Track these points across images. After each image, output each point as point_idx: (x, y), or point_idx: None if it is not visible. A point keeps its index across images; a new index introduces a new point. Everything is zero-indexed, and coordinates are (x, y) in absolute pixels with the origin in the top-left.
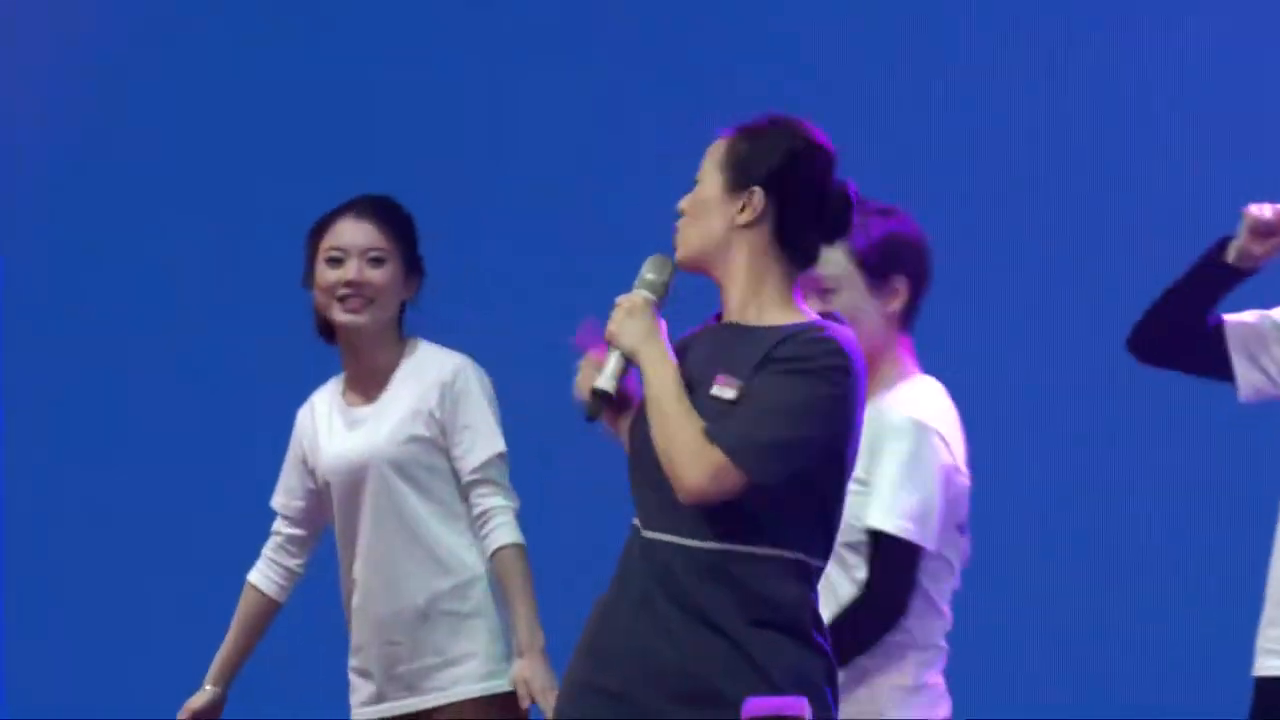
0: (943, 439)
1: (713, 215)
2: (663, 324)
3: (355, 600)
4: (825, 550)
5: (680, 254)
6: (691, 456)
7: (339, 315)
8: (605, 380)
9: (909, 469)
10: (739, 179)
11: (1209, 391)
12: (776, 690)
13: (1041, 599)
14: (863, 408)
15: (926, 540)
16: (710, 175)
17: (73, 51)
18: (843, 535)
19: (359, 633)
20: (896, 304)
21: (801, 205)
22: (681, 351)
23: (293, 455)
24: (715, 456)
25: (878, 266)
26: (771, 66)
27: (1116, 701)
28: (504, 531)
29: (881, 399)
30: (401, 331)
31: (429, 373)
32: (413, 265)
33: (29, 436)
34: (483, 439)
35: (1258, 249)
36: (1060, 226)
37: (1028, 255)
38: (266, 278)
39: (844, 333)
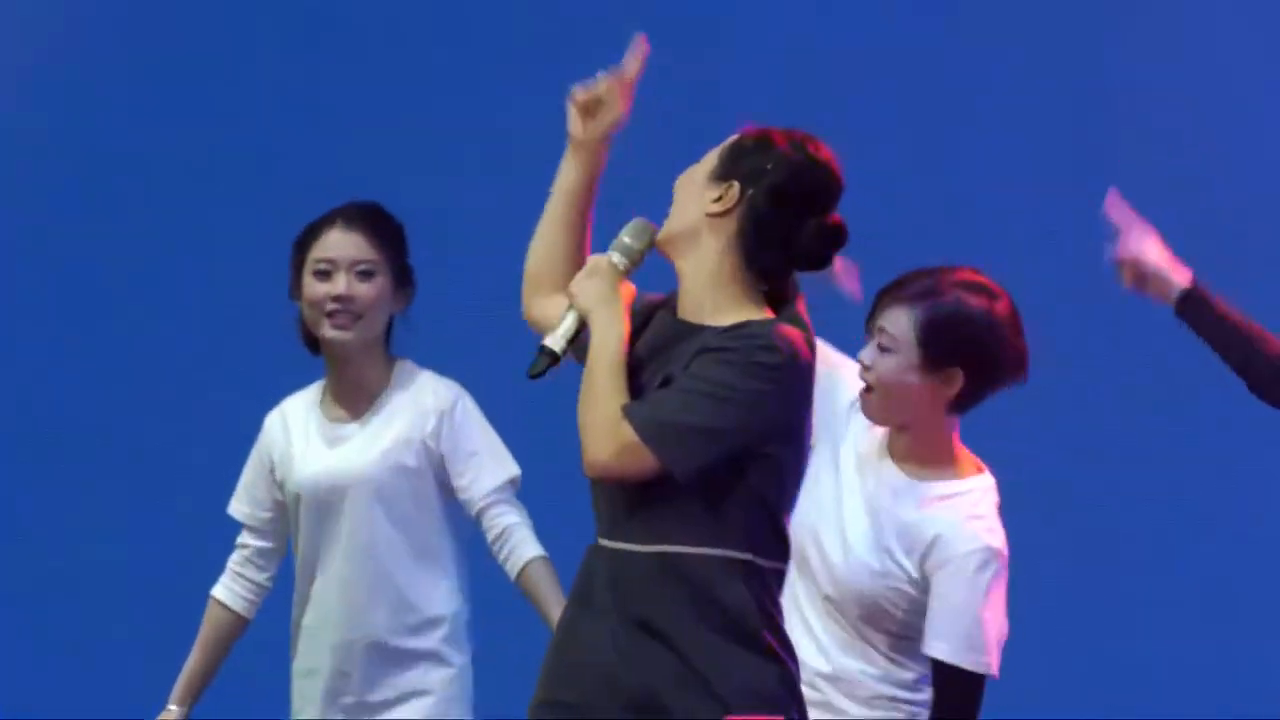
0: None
1: (691, 195)
2: (630, 290)
3: (307, 620)
4: (780, 552)
5: (660, 234)
6: (602, 431)
7: (326, 331)
8: (555, 339)
9: (988, 601)
10: (726, 170)
11: (1212, 400)
12: (725, 705)
13: (1057, 608)
14: (807, 407)
15: (995, 668)
16: (708, 158)
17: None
18: (873, 620)
19: (307, 655)
20: (946, 392)
21: (776, 220)
22: (644, 319)
23: (258, 463)
24: (625, 434)
25: (936, 348)
26: (760, 65)
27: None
28: (528, 546)
29: (936, 494)
30: (389, 345)
31: (425, 400)
32: (403, 277)
33: (9, 439)
34: (493, 463)
35: (1149, 291)
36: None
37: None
38: (243, 281)
39: (785, 331)
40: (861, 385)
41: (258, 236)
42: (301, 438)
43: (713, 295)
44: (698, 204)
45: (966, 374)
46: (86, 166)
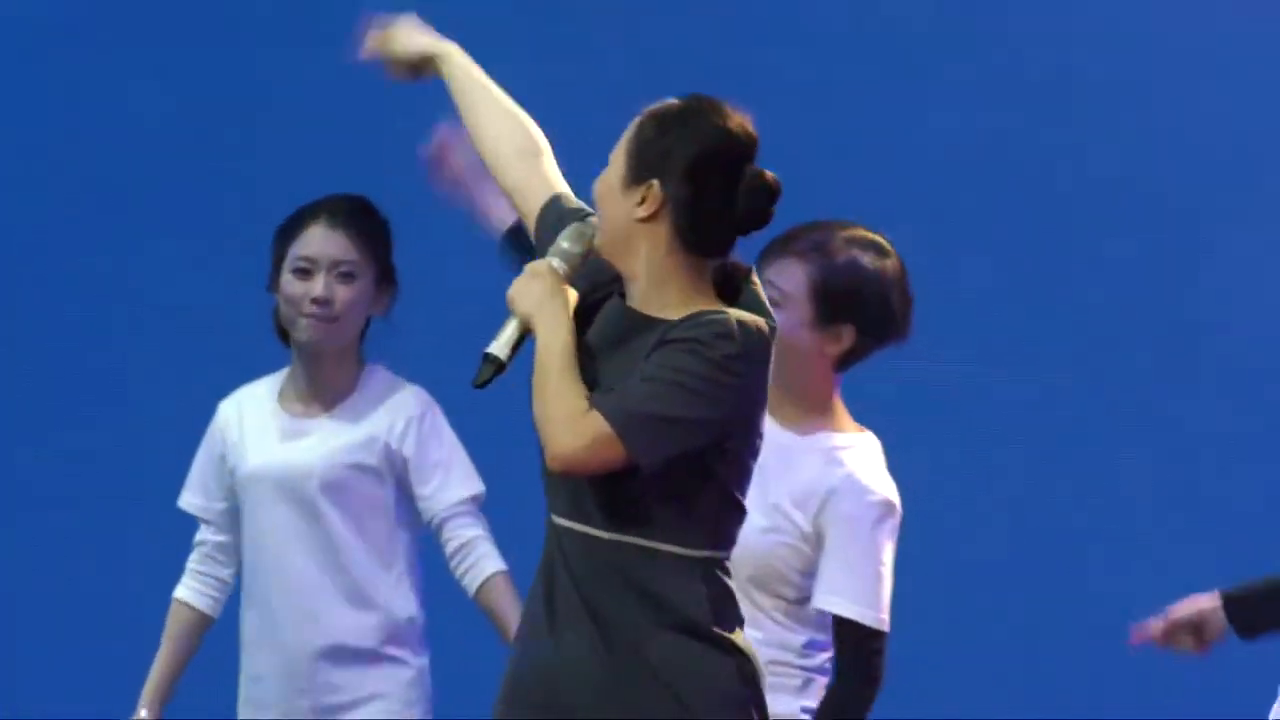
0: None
1: (613, 205)
2: (572, 294)
3: (255, 622)
4: (730, 541)
5: (598, 243)
6: (568, 424)
7: (300, 332)
8: (499, 346)
9: (883, 557)
10: (639, 170)
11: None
12: (686, 705)
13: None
14: (763, 394)
15: (888, 624)
16: (616, 161)
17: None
18: (764, 583)
19: (256, 661)
20: (834, 349)
21: (706, 200)
22: (593, 304)
23: (210, 453)
24: (595, 425)
25: (829, 305)
26: (751, 55)
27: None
28: (491, 560)
29: (823, 446)
30: (363, 346)
31: (395, 405)
32: (385, 277)
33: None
34: (459, 477)
35: (1208, 636)
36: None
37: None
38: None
39: (745, 320)
40: None
41: (244, 234)
42: (255, 427)
43: (660, 292)
44: (624, 213)
45: (857, 331)
46: (75, 159)
